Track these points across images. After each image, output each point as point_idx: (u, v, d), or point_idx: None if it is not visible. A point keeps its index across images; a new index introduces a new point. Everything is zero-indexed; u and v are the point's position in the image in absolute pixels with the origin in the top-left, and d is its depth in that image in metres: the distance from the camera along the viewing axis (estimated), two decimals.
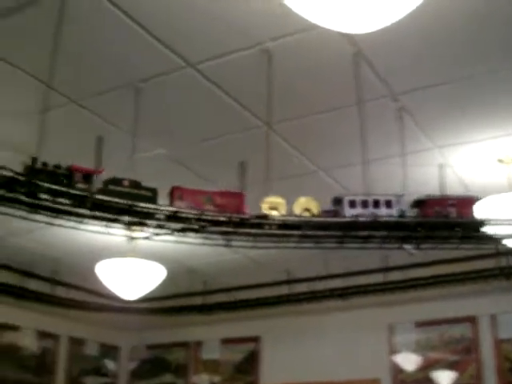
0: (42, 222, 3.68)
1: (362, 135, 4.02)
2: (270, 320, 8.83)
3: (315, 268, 7.12)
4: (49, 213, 3.54)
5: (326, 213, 3.84)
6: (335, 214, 3.80)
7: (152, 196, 3.62)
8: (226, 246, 3.91)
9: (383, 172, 5.02)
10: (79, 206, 3.47)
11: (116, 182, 3.55)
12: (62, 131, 4.51)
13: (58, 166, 3.39)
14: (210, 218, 3.66)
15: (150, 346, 10.11)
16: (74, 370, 9.45)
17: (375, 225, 3.83)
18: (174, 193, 3.72)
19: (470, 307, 7.74)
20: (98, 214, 3.54)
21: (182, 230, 3.78)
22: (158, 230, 3.79)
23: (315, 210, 3.86)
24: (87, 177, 3.45)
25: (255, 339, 9.21)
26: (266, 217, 3.69)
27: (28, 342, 8.78)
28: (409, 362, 8.05)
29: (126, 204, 3.51)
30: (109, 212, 3.56)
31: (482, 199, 4.23)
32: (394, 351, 8.15)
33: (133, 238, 4.82)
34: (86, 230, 3.79)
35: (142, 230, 3.93)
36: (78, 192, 3.39)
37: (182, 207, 3.66)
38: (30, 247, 7.11)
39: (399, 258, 6.57)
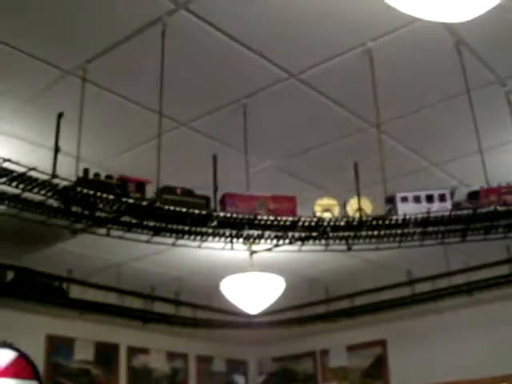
0: (166, 244, 3.79)
1: (475, 124, 3.93)
2: (395, 322, 8.71)
3: (436, 266, 6.99)
4: (172, 234, 3.65)
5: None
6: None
7: (205, 203, 3.60)
8: (348, 250, 3.90)
9: (498, 160, 4.89)
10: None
11: (169, 190, 3.54)
12: (176, 154, 4.63)
13: (109, 177, 3.42)
14: (330, 224, 3.66)
15: (277, 359, 10.16)
16: None
17: (496, 214, 3.73)
18: (226, 200, 3.67)
19: None
20: (220, 230, 3.61)
21: (303, 239, 3.80)
22: (278, 242, 3.82)
23: (368, 209, 3.80)
24: (139, 186, 3.47)
25: (381, 343, 9.10)
26: (383, 218, 3.66)
27: (159, 364, 9.01)
28: None
29: (246, 218, 3.56)
30: (230, 227, 3.62)
31: None
32: None
33: (254, 252, 4.88)
34: (208, 247, 3.87)
35: (260, 243, 3.98)
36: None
37: (237, 212, 3.62)
38: (153, 270, 7.32)
39: None
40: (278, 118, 4.43)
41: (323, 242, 3.92)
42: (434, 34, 3.60)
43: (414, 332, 8.67)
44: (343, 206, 3.76)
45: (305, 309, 8.27)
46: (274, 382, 10.15)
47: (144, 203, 3.37)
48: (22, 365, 7.09)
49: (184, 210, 3.48)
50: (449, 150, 4.93)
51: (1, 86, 3.95)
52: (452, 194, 3.80)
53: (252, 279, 5.72)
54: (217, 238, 3.77)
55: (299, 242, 3.88)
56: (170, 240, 3.78)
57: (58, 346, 7.84)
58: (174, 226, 3.60)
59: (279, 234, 3.74)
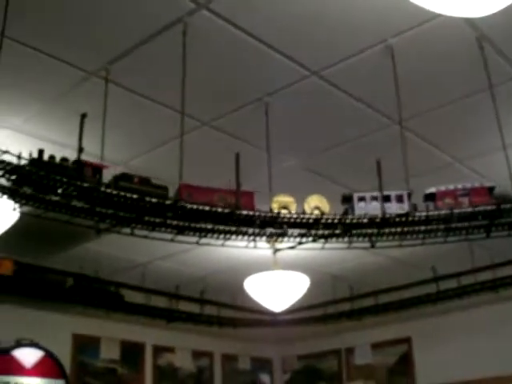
0: (190, 243, 3.81)
1: (498, 120, 3.91)
2: (420, 320, 8.67)
3: (461, 263, 6.95)
4: (196, 233, 3.66)
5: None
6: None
7: (163, 193, 3.52)
8: (371, 247, 3.89)
9: None
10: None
11: (127, 178, 3.46)
12: (199, 153, 4.65)
13: (65, 159, 3.33)
14: (353, 221, 3.66)
15: (302, 357, 10.16)
16: None
17: None
18: (182, 190, 3.58)
19: None
20: (243, 229, 3.62)
21: (326, 237, 3.80)
22: (302, 239, 3.82)
23: (326, 208, 3.79)
24: (96, 171, 3.39)
25: (406, 340, 9.07)
26: (407, 215, 3.65)
27: (185, 362, 9.05)
28: None
29: (269, 216, 3.57)
30: (252, 226, 3.63)
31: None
32: None
33: (277, 250, 4.88)
34: (232, 246, 3.89)
35: (283, 241, 3.98)
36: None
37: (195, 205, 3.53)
38: (178, 269, 7.36)
39: None
40: (299, 115, 4.44)
41: (346, 239, 3.92)
42: (455, 29, 3.59)
43: (439, 329, 8.63)
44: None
45: (329, 307, 8.27)
46: (298, 380, 10.16)
47: (168, 202, 3.39)
48: (49, 364, 7.15)
49: (207, 208, 3.49)
50: (472, 145, 4.91)
51: (26, 87, 4.00)
52: (409, 196, 3.81)
53: (276, 277, 5.73)
54: (240, 237, 3.78)
55: (322, 240, 3.88)
56: (194, 239, 3.79)
57: (84, 345, 7.92)
58: (198, 225, 3.62)
59: (302, 231, 3.74)
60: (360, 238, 3.90)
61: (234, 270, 7.16)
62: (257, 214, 3.58)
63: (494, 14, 2.88)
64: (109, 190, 3.34)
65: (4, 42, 3.28)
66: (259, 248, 4.02)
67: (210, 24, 3.49)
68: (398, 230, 3.73)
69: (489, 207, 3.62)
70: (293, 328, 8.63)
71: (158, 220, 3.54)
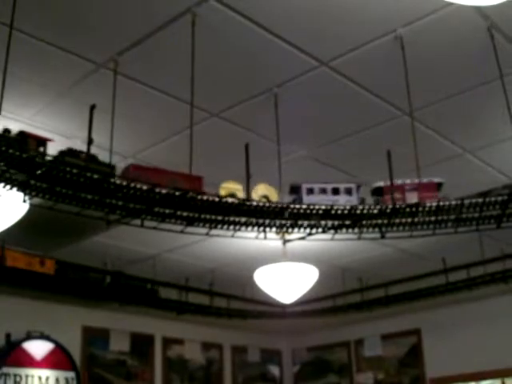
0: (200, 234, 3.81)
1: (509, 110, 3.88)
2: (429, 311, 8.67)
3: (471, 254, 6.93)
4: (206, 224, 3.66)
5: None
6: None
7: (110, 172, 3.40)
8: (381, 238, 3.88)
9: None
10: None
11: (73, 153, 3.32)
12: (208, 144, 4.64)
13: (7, 130, 3.18)
14: (363, 211, 3.65)
15: (311, 348, 10.18)
16: (239, 378, 9.67)
17: None
18: (131, 171, 3.46)
19: None
20: (253, 220, 3.62)
21: (336, 227, 3.79)
22: (311, 230, 3.82)
23: (273, 197, 3.76)
24: (40, 143, 3.24)
25: (416, 332, 9.07)
26: (418, 205, 3.63)
27: (194, 354, 9.07)
28: None
29: (279, 207, 3.56)
30: (262, 216, 3.62)
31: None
32: None
33: (287, 241, 4.88)
34: (241, 237, 3.89)
35: (293, 232, 3.98)
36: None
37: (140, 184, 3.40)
38: (187, 262, 7.37)
39: None
40: (309, 106, 4.42)
41: (356, 230, 3.91)
42: (465, 18, 3.57)
43: (449, 321, 8.63)
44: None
45: (339, 298, 8.27)
46: (308, 371, 10.18)
47: (177, 193, 3.39)
48: (59, 356, 7.20)
49: (216, 199, 3.48)
50: (483, 136, 4.88)
51: (36, 80, 4.00)
52: (358, 189, 3.81)
53: (285, 269, 5.73)
54: (250, 228, 3.78)
55: (332, 231, 3.87)
56: (204, 230, 3.79)
57: (94, 337, 7.95)
58: (208, 216, 3.61)
59: (312, 222, 3.73)
60: (370, 229, 3.89)
61: (243, 263, 7.17)
62: (267, 204, 3.57)
63: (505, 3, 2.86)
64: (49, 158, 3.20)
65: (13, 35, 3.28)
66: (269, 239, 4.02)
67: (218, 14, 3.48)
68: (409, 220, 3.72)
69: (500, 197, 3.60)
70: (302, 320, 8.63)
71: (167, 211, 3.54)
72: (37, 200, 3.59)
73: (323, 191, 3.74)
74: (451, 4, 3.21)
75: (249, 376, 9.82)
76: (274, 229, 3.82)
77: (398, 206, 3.65)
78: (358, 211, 3.68)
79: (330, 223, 3.76)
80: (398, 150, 4.08)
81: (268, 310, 8.30)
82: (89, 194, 3.42)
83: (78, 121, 4.30)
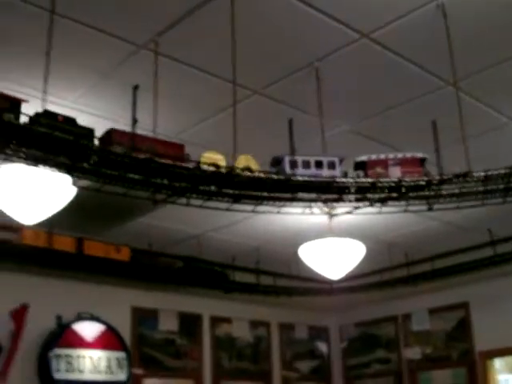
0: (246, 211, 3.82)
1: None
2: (477, 284, 8.56)
3: None
4: (251, 201, 3.67)
5: None
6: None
7: (88, 134, 3.31)
8: (428, 210, 3.84)
9: None
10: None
11: (49, 115, 3.22)
12: (251, 122, 4.64)
13: None
14: (411, 184, 3.61)
15: (359, 324, 10.16)
16: (287, 355, 9.70)
17: None
18: (113, 136, 3.37)
19: None
20: (299, 195, 3.61)
21: (382, 200, 3.76)
22: (358, 204, 3.79)
23: (256, 167, 3.67)
24: (14, 105, 3.11)
25: (463, 305, 8.99)
26: (466, 174, 3.58)
27: (242, 332, 9.13)
28: None
29: (324, 182, 3.55)
30: (305, 191, 3.61)
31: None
32: None
33: (333, 215, 4.85)
34: (288, 213, 3.89)
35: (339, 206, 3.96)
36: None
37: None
38: (232, 241, 7.40)
39: None
40: (351, 79, 4.38)
41: (403, 203, 3.88)
42: None
43: (497, 293, 8.52)
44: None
45: (385, 273, 8.23)
46: (356, 347, 10.17)
47: (222, 171, 3.40)
48: (110, 337, 7.30)
49: (262, 175, 3.47)
50: None
51: (79, 63, 4.03)
52: (341, 162, 3.78)
53: (332, 244, 5.70)
54: (295, 203, 3.77)
55: (379, 204, 3.84)
56: (249, 207, 3.80)
57: (143, 317, 8.05)
58: (253, 193, 3.62)
59: (358, 196, 3.71)
60: (417, 201, 3.86)
61: (288, 240, 7.16)
62: (313, 179, 3.55)
63: None
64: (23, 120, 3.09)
65: (55, 20, 3.31)
66: (314, 214, 4.01)
67: None
68: (456, 191, 3.68)
69: None
70: (349, 295, 8.62)
71: (213, 189, 3.55)
72: (84, 183, 3.64)
73: (306, 164, 3.71)
74: None
75: (296, 353, 9.84)
76: (319, 204, 3.81)
77: (445, 177, 3.61)
78: (405, 183, 3.64)
79: (376, 196, 3.73)
80: (443, 121, 4.04)
81: (315, 286, 8.30)
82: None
83: (122, 102, 4.32)
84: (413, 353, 9.44)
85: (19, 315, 6.62)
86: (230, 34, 3.62)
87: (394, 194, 3.70)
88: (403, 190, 3.63)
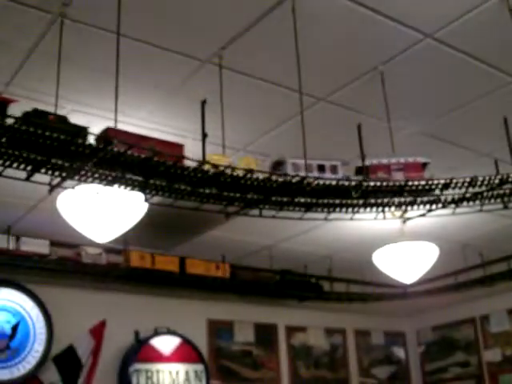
0: (318, 219, 3.82)
1: None
2: None
3: None
4: (323, 209, 3.66)
5: None
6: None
7: (82, 133, 3.15)
8: (504, 208, 3.77)
9: None
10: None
11: (40, 114, 3.08)
12: (317, 129, 4.62)
13: None
14: (484, 182, 3.54)
15: (436, 327, 10.00)
16: (364, 362, 9.62)
17: None
18: (109, 134, 3.25)
19: None
20: (371, 200, 3.58)
21: (456, 201, 3.70)
22: (431, 206, 3.75)
23: (257, 166, 3.58)
24: (1, 105, 3.00)
25: None
26: None
27: (318, 340, 9.10)
28: None
29: (397, 186, 3.51)
30: (380, 196, 3.58)
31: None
32: None
33: (407, 219, 4.80)
34: (361, 219, 3.86)
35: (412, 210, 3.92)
36: None
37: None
38: (303, 250, 7.39)
39: None
40: (417, 81, 4.33)
41: (477, 202, 3.81)
42: None
43: None
44: None
45: (460, 275, 8.08)
46: (434, 351, 10.01)
47: (294, 180, 3.40)
48: (187, 350, 7.38)
49: (333, 183, 3.46)
50: None
51: (147, 81, 4.10)
52: (343, 167, 3.70)
53: (405, 248, 5.65)
54: (368, 209, 3.74)
55: (453, 205, 3.79)
56: (322, 215, 3.79)
57: (219, 329, 8.10)
58: (325, 201, 3.61)
59: (432, 198, 3.66)
60: (491, 201, 3.79)
61: (359, 246, 7.12)
62: (384, 183, 3.52)
63: None
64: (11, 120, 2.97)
65: (120, 41, 3.38)
66: (387, 219, 3.98)
67: None
68: None
69: None
70: (424, 299, 8.50)
71: (285, 199, 3.56)
72: (156, 199, 3.69)
73: (308, 168, 3.66)
74: None
75: (373, 359, 9.76)
76: (392, 208, 3.78)
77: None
78: (479, 182, 3.58)
79: (450, 198, 3.67)
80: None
81: (389, 291, 8.23)
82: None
83: (189, 116, 4.38)
84: (493, 355, 9.24)
85: (98, 331, 6.75)
86: (292, 42, 3.62)
87: (468, 195, 3.64)
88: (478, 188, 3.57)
